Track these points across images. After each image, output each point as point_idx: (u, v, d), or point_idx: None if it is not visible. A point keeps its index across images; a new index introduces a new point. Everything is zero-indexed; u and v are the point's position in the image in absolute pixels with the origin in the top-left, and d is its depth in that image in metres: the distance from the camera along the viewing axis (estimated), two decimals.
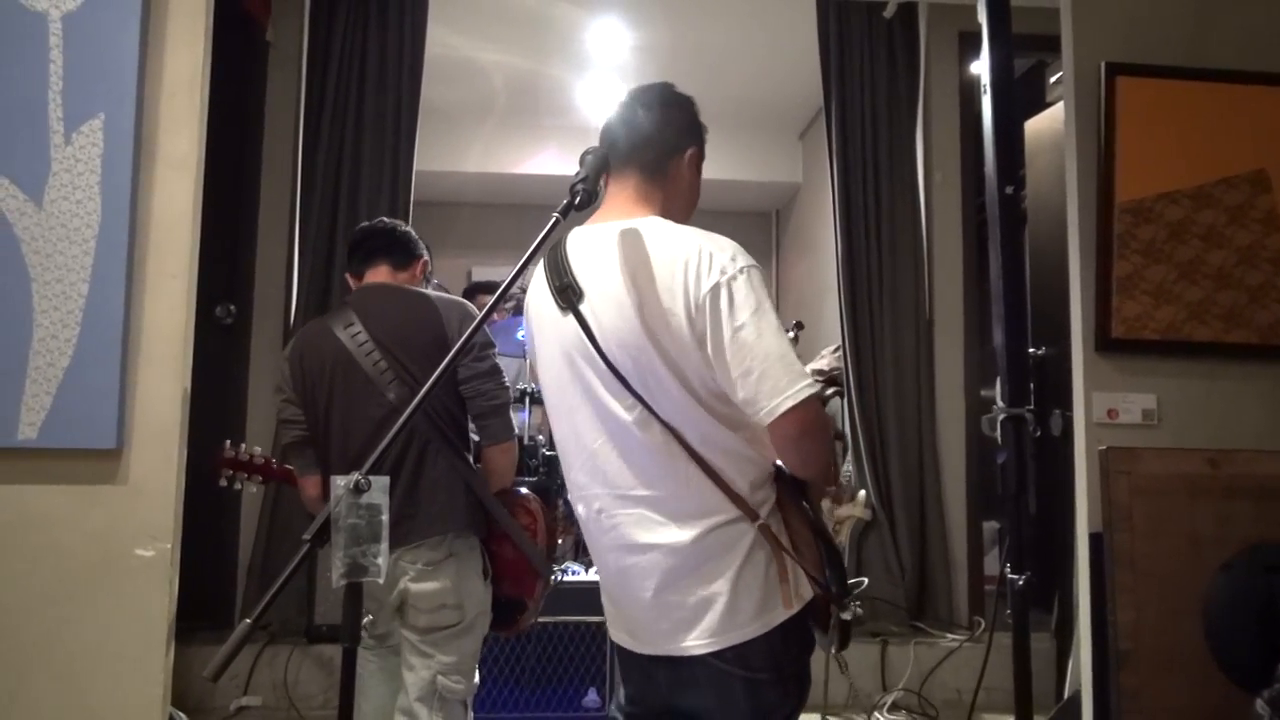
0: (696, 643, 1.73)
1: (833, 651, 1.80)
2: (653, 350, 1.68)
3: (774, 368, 1.62)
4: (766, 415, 1.62)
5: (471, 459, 2.56)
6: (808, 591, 1.75)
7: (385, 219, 2.79)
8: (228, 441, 2.71)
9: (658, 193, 1.85)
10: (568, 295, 1.77)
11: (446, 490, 2.44)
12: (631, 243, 1.75)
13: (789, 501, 1.77)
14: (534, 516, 2.59)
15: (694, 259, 1.67)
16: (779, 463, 1.79)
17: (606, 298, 1.73)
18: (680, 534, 1.72)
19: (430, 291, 2.62)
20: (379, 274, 2.66)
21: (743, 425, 1.72)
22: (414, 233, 2.75)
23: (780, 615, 1.73)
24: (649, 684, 1.88)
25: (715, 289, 1.65)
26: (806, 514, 1.76)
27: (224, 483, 2.69)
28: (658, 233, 1.75)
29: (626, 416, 1.73)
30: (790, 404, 1.61)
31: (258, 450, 2.72)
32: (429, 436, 2.44)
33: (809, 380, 1.64)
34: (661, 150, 1.86)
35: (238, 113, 4.10)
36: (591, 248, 1.79)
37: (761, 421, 1.64)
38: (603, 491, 1.78)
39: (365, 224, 2.80)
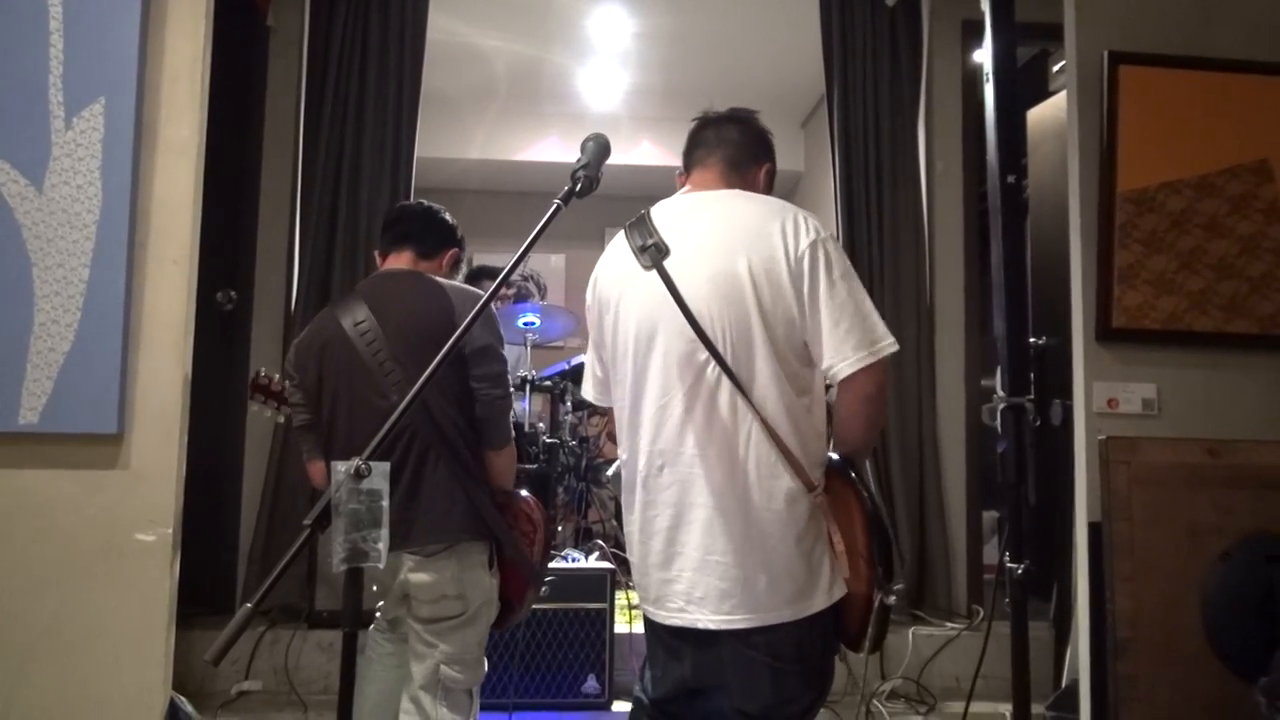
0: (729, 618, 1.74)
1: (866, 649, 1.80)
2: (751, 301, 1.75)
3: (864, 323, 1.73)
4: (849, 367, 1.71)
5: (480, 462, 2.53)
6: (843, 587, 1.76)
7: (425, 201, 2.70)
8: (261, 369, 2.74)
9: (737, 185, 1.96)
10: (652, 253, 1.83)
11: (446, 499, 2.39)
12: (724, 203, 1.88)
13: (843, 486, 1.79)
14: (535, 526, 2.55)
15: (789, 219, 1.79)
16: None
17: (695, 253, 1.80)
18: (736, 500, 1.74)
19: (445, 281, 2.52)
20: (401, 259, 2.59)
21: (807, 390, 1.79)
22: (452, 220, 2.68)
23: (816, 605, 1.75)
24: (674, 663, 1.90)
25: (814, 245, 1.76)
26: (862, 499, 1.78)
27: (255, 408, 2.71)
28: (747, 197, 1.89)
29: (699, 374, 1.78)
30: (872, 360, 1.71)
31: (289, 382, 2.73)
32: (430, 441, 2.39)
33: (891, 340, 1.74)
34: (744, 152, 1.99)
35: (238, 98, 4.09)
36: (678, 212, 1.89)
37: (839, 374, 1.72)
38: (664, 448, 1.81)
39: (404, 203, 2.73)
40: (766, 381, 1.74)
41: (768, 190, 2.02)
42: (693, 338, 1.75)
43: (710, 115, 2.05)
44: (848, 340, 1.71)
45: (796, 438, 1.74)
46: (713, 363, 1.74)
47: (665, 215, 1.88)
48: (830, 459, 1.82)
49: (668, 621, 1.82)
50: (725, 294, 1.75)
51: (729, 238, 1.78)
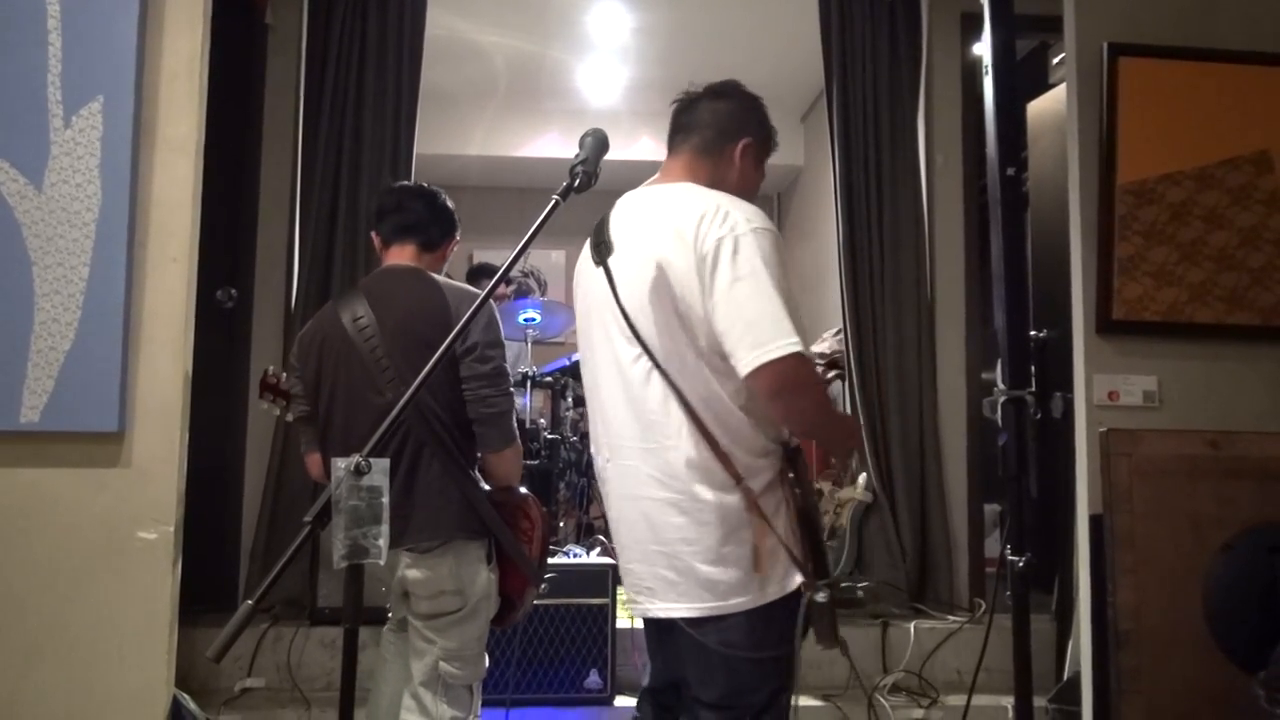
0: (674, 606, 1.78)
1: (801, 639, 1.79)
2: (668, 300, 1.76)
3: (760, 323, 1.68)
4: (744, 368, 1.69)
5: (474, 460, 2.52)
6: (797, 577, 1.76)
7: (426, 184, 2.68)
8: (270, 368, 2.75)
9: (706, 169, 1.94)
10: (600, 250, 1.88)
11: (440, 496, 2.39)
12: (661, 200, 1.86)
13: (787, 481, 1.78)
14: (533, 523, 2.54)
15: (710, 213, 1.76)
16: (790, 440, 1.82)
17: (632, 251, 1.83)
18: (669, 491, 1.77)
19: (444, 280, 2.53)
20: (404, 254, 2.58)
21: (744, 388, 1.77)
22: (451, 204, 2.67)
23: (769, 594, 1.76)
24: (659, 653, 1.96)
25: (720, 241, 1.72)
26: (797, 497, 1.78)
27: (265, 405, 2.72)
28: (686, 192, 1.86)
29: (632, 368, 1.80)
30: (765, 359, 1.67)
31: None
32: (424, 439, 2.39)
33: (792, 340, 1.68)
34: (716, 132, 1.96)
35: (237, 96, 4.09)
36: (630, 208, 1.90)
37: (741, 373, 1.70)
38: (611, 441, 1.86)
39: (404, 185, 2.69)
40: (693, 375, 1.76)
41: (750, 165, 1.99)
42: (629, 334, 1.80)
43: (687, 96, 2.03)
44: (744, 339, 1.70)
45: (725, 430, 1.76)
46: (645, 357, 1.78)
47: (621, 210, 1.92)
48: (779, 449, 1.82)
49: (633, 611, 1.89)
50: (653, 290, 1.77)
51: (660, 235, 1.80)
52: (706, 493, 1.75)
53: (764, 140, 2.03)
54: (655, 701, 2.01)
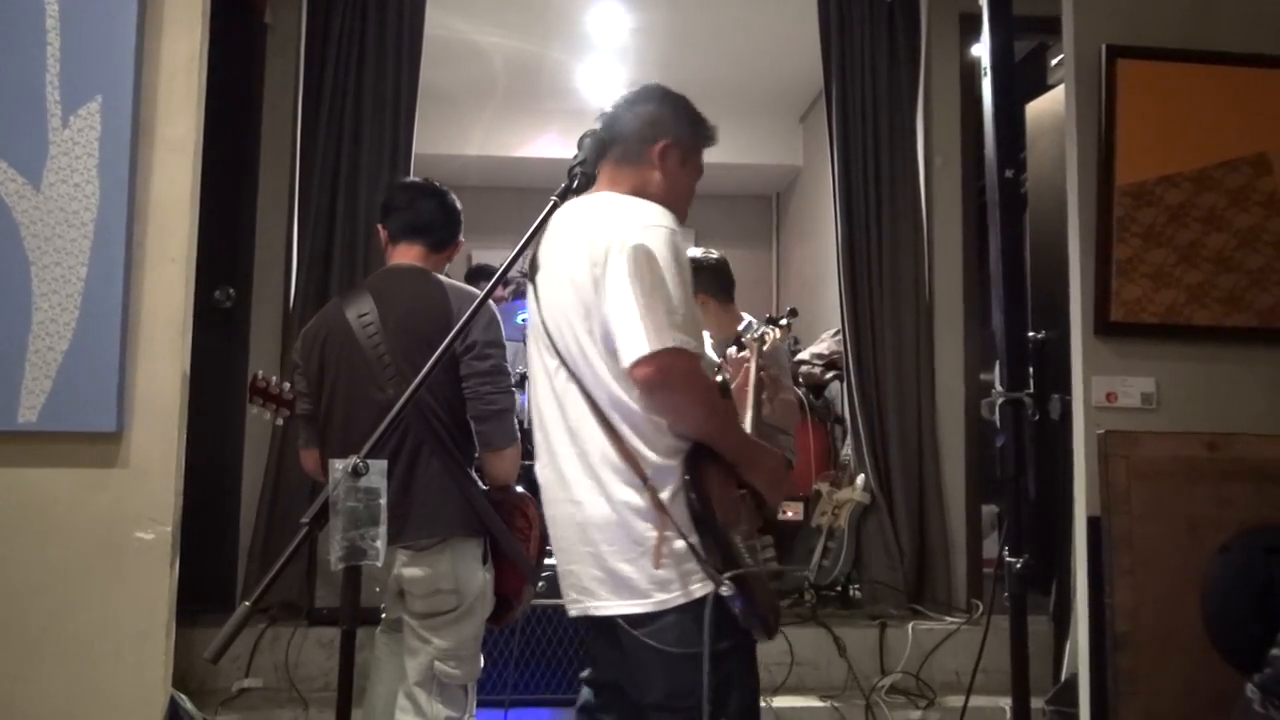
0: (610, 603, 1.81)
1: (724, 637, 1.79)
2: (578, 312, 1.81)
3: (641, 322, 1.71)
4: (625, 364, 1.74)
5: (472, 459, 2.53)
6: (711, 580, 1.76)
7: (434, 183, 2.69)
8: (259, 371, 2.77)
9: (627, 177, 1.97)
10: (531, 268, 1.97)
11: (439, 493, 2.41)
12: (577, 215, 1.89)
13: (694, 482, 1.79)
14: (530, 522, 2.56)
15: (605, 221, 1.82)
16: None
17: (551, 267, 1.90)
18: (591, 494, 1.82)
19: (448, 281, 2.56)
20: (411, 253, 2.60)
21: None
22: (459, 205, 2.69)
23: (695, 591, 1.76)
24: (592, 650, 2.02)
25: (609, 247, 1.77)
26: (692, 501, 1.78)
27: (254, 410, 2.76)
28: (596, 203, 1.90)
29: (556, 378, 1.87)
30: (639, 354, 1.70)
31: (286, 386, 2.76)
32: (423, 437, 2.40)
33: (667, 336, 1.72)
34: (636, 140, 1.98)
35: (236, 95, 4.09)
36: (556, 224, 1.93)
37: (625, 371, 1.75)
38: (548, 447, 1.92)
39: (415, 182, 2.70)
40: (602, 381, 1.81)
41: (674, 166, 1.99)
42: (550, 347, 1.87)
43: (604, 112, 2.04)
44: (624, 337, 1.73)
45: (633, 431, 1.80)
46: (563, 368, 1.85)
47: (551, 227, 1.95)
48: (697, 460, 1.82)
49: (574, 611, 1.90)
50: (567, 304, 1.84)
51: (568, 249, 1.86)
52: (619, 493, 1.79)
53: (690, 139, 2.04)
54: (586, 709, 2.04)
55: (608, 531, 1.80)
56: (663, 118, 2.01)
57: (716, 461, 1.83)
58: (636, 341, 1.71)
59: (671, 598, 1.77)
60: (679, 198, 2.01)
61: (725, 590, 1.73)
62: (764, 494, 1.90)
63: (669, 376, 1.73)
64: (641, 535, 1.78)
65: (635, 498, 1.78)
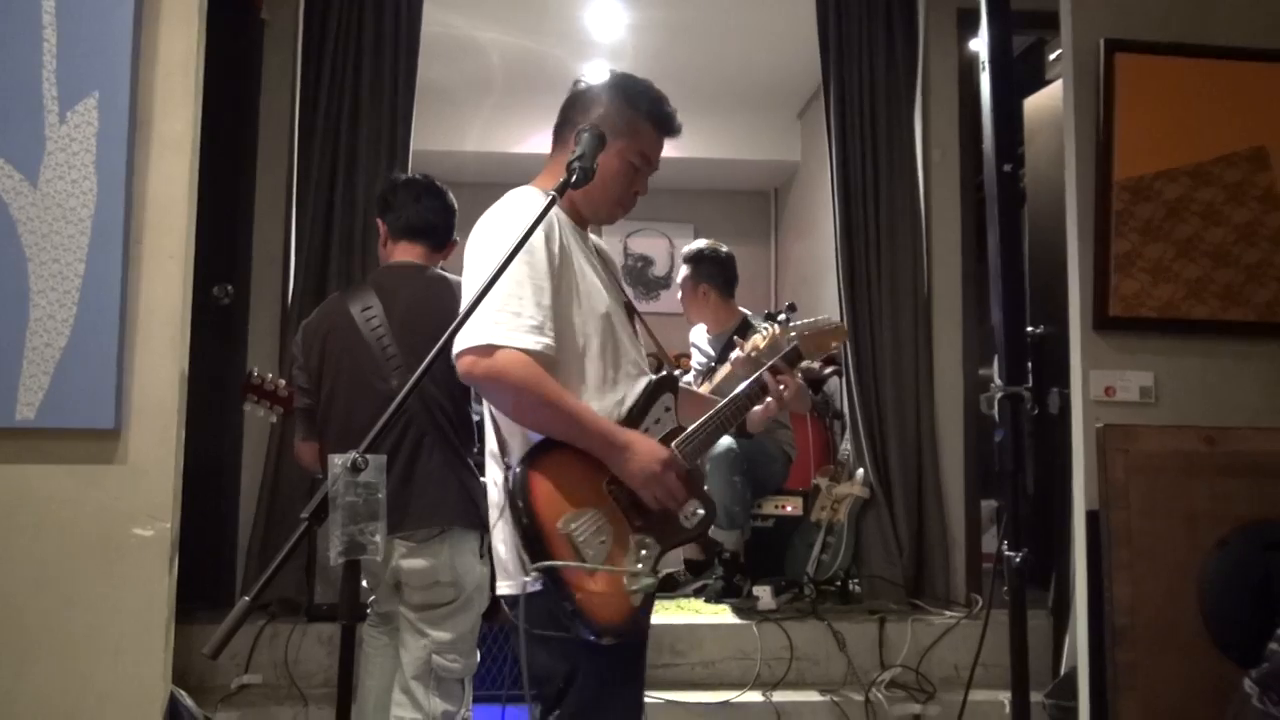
0: (499, 584, 1.85)
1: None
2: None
3: (477, 315, 1.67)
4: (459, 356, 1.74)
5: (473, 451, 2.53)
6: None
7: (437, 182, 2.72)
8: (254, 369, 2.77)
9: (552, 170, 2.02)
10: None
11: (439, 485, 2.42)
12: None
13: (522, 473, 1.77)
14: None
15: (486, 217, 1.89)
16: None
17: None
18: (491, 478, 1.89)
19: (453, 276, 2.57)
20: (412, 252, 2.63)
21: None
22: (455, 203, 2.74)
23: (532, 584, 1.76)
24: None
25: (469, 244, 1.86)
26: (510, 496, 1.77)
27: (247, 407, 2.76)
28: (505, 200, 1.95)
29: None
30: (462, 346, 1.71)
31: (281, 383, 2.77)
32: (425, 428, 2.41)
33: (501, 331, 1.71)
34: (557, 136, 2.09)
35: (233, 91, 4.07)
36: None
37: None
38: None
39: (416, 180, 2.71)
40: None
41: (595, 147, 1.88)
42: None
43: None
44: (460, 332, 1.69)
45: (502, 422, 1.84)
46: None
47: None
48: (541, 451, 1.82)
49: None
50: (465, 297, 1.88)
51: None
52: (495, 477, 1.86)
53: (622, 122, 1.98)
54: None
55: (494, 514, 1.86)
56: (587, 103, 2.02)
57: (574, 452, 1.78)
58: (464, 336, 1.71)
59: (529, 580, 1.76)
60: (607, 187, 1.97)
61: (530, 581, 1.73)
62: (633, 487, 1.79)
63: (488, 374, 1.73)
64: (502, 519, 1.83)
65: (500, 482, 1.84)
